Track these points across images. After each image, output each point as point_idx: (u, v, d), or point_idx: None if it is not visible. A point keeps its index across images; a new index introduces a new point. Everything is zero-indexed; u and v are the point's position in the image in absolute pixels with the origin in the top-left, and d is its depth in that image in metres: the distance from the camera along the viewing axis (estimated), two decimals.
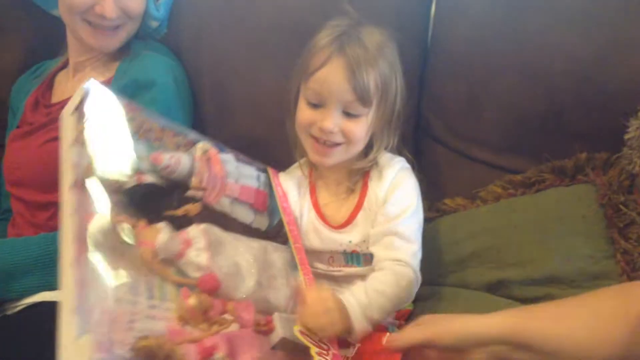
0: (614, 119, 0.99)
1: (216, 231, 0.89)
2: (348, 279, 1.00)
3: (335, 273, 1.02)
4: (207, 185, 0.94)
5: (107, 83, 1.17)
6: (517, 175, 1.10)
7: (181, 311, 0.75)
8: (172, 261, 0.81)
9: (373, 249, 0.97)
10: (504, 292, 1.02)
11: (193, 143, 0.99)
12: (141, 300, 0.72)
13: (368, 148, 1.03)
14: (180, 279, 0.79)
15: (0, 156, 1.33)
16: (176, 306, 0.75)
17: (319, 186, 1.08)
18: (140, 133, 0.92)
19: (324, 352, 0.80)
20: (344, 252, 1.02)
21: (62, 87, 1.27)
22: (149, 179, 0.88)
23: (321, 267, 1.03)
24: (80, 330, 0.64)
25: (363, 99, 0.94)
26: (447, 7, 1.16)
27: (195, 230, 0.86)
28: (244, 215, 0.97)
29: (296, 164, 1.11)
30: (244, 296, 0.84)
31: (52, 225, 1.12)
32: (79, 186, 0.78)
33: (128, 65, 1.18)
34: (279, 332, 0.80)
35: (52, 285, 1.00)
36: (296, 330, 0.81)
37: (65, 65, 1.31)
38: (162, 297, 0.75)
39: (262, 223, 0.99)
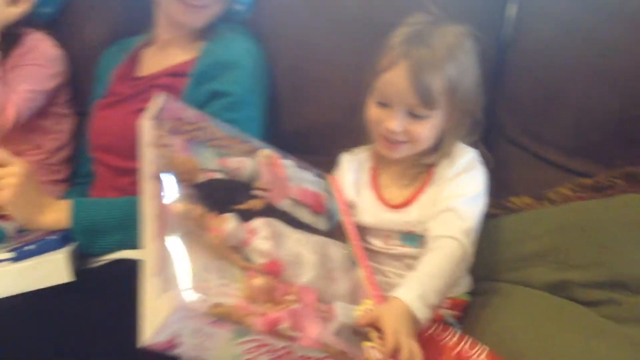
0: None
1: (278, 224, 0.93)
2: (400, 258, 1.03)
3: (390, 251, 1.04)
4: (270, 187, 0.99)
5: (191, 61, 1.23)
6: (588, 179, 1.10)
7: (248, 290, 0.78)
8: (238, 248, 0.85)
9: (429, 224, 0.99)
10: (565, 294, 1.02)
11: (257, 149, 1.05)
12: (213, 278, 0.76)
13: (439, 142, 1.05)
14: (247, 264, 0.83)
15: (81, 123, 1.41)
16: (243, 286, 0.78)
17: (382, 170, 1.11)
18: (211, 141, 1.00)
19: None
20: (400, 232, 1.04)
21: (147, 62, 1.33)
22: (218, 176, 0.94)
23: (376, 243, 1.06)
24: (161, 290, 0.68)
25: (426, 102, 0.96)
26: (530, 5, 1.16)
27: (259, 222, 0.90)
28: (304, 216, 1.01)
29: (365, 147, 1.14)
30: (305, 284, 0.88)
31: (133, 190, 1.18)
32: (156, 178, 0.84)
33: (213, 46, 1.23)
34: (340, 319, 0.83)
35: (133, 245, 1.06)
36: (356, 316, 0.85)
37: (151, 42, 1.36)
38: (231, 278, 0.79)
39: (322, 224, 1.02)
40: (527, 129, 1.19)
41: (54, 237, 1.01)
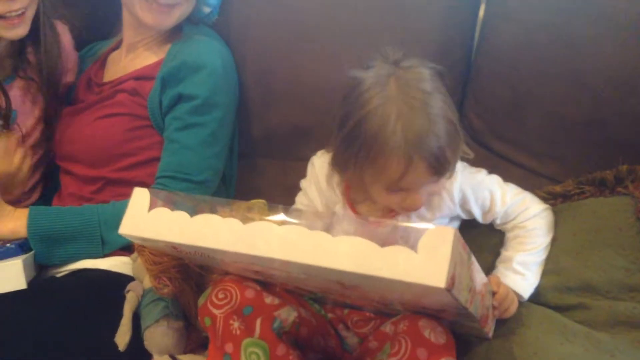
0: None
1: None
2: None
3: None
4: None
5: (158, 64, 1.21)
6: (557, 187, 1.08)
7: None
8: None
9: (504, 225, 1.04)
10: (538, 299, 1.00)
11: None
12: None
13: None
14: None
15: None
16: None
17: None
18: None
19: None
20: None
21: (114, 67, 1.30)
22: None
23: None
24: None
25: (448, 174, 0.91)
26: (496, 9, 1.15)
27: None
28: None
29: None
30: None
31: (98, 198, 1.16)
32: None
33: (180, 47, 1.20)
34: None
35: (92, 254, 1.05)
36: None
37: (118, 46, 1.34)
38: None
39: None
40: (496, 131, 1.18)
41: (10, 245, 0.99)
